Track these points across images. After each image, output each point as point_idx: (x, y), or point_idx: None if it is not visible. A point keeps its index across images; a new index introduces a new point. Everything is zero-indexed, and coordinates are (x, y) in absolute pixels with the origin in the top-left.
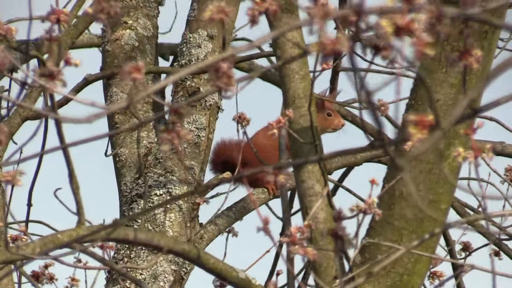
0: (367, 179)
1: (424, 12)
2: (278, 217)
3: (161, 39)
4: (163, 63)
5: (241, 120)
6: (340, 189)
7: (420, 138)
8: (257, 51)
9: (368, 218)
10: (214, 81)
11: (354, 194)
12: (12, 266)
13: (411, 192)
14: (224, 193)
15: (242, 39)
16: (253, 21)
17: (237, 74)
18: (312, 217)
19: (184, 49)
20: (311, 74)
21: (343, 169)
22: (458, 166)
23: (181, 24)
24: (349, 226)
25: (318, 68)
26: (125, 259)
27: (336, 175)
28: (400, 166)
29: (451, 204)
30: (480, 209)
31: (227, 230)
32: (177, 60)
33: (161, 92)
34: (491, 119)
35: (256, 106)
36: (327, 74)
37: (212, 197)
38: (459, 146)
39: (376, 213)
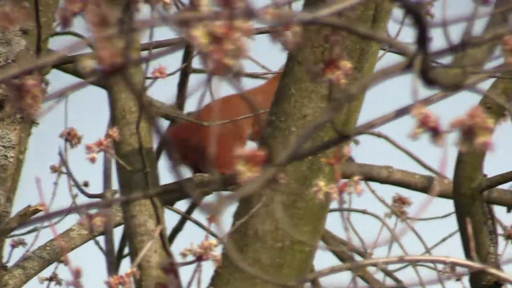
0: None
1: (258, 18)
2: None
3: None
4: None
5: (70, 138)
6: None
7: (251, 176)
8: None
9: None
10: (13, 101)
11: (206, 229)
12: None
13: (279, 218)
14: (35, 229)
15: (68, 33)
16: (65, 23)
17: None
18: (141, 261)
19: None
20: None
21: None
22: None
23: None
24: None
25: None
26: None
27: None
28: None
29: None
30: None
31: (48, 276)
32: None
33: None
34: (379, 135)
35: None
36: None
37: (28, 232)
38: (326, 175)
39: (215, 260)
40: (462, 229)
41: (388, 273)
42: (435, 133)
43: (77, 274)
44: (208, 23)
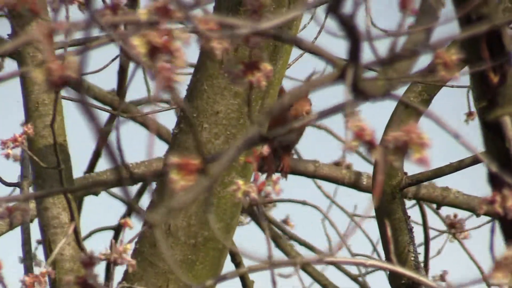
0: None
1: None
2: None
3: None
4: None
5: None
6: None
7: (185, 186)
8: None
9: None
10: None
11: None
12: None
13: (164, 252)
14: None
15: None
16: None
17: None
18: (56, 255)
19: None
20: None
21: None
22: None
23: None
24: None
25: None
26: None
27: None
28: (151, 222)
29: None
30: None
31: None
32: None
33: None
34: (319, 127)
35: None
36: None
37: None
38: (239, 173)
39: (130, 265)
40: (382, 228)
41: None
42: (371, 146)
43: None
44: (147, 33)
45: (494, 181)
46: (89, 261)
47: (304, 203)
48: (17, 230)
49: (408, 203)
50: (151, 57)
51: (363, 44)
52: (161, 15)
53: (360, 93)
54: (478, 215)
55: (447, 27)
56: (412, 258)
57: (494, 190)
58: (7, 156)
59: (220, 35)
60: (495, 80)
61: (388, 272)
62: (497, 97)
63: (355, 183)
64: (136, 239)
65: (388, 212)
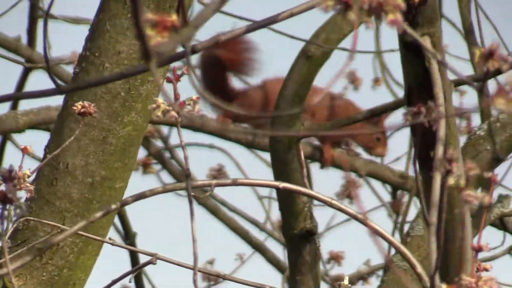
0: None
1: None
2: None
3: None
4: None
5: None
6: None
7: (160, 42)
8: None
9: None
10: None
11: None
12: None
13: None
14: None
15: None
16: None
17: None
18: None
19: None
20: None
21: None
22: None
23: None
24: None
25: None
26: None
27: None
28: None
29: None
30: None
31: None
32: None
33: None
34: None
35: None
36: None
37: None
38: (139, 112)
39: (28, 190)
40: (277, 176)
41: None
42: (347, 6)
43: None
44: None
45: (411, 101)
46: (9, 175)
47: (211, 146)
48: None
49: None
50: None
51: None
52: None
53: None
54: (361, 176)
55: None
56: (306, 209)
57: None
58: None
59: None
60: (416, 0)
61: (282, 224)
62: (417, 17)
63: (251, 144)
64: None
65: (284, 162)
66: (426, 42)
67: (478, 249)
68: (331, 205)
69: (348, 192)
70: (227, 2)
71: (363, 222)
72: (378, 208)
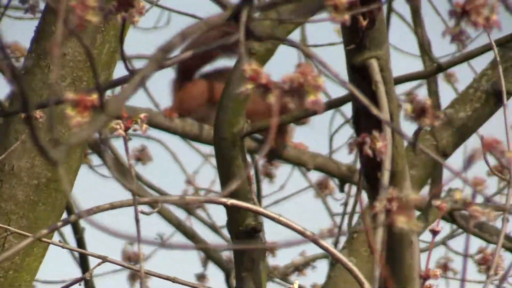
0: None
1: None
2: None
3: None
4: None
5: None
6: None
7: (80, 122)
8: None
9: None
10: None
11: None
12: None
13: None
14: None
15: None
16: None
17: None
18: None
19: None
20: None
21: None
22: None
23: None
24: None
25: None
26: None
27: None
28: (53, 160)
29: None
30: None
31: None
32: None
33: None
34: None
35: None
36: None
37: None
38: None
39: None
40: (222, 172)
41: None
42: (266, 89)
43: None
44: None
45: (359, 123)
46: None
47: (148, 137)
48: None
49: None
50: None
51: None
52: None
53: (250, 33)
54: (308, 170)
55: None
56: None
57: (359, 132)
58: None
59: None
60: (364, 24)
61: (227, 220)
62: (365, 40)
63: (198, 137)
64: None
65: (228, 159)
66: (373, 65)
67: (426, 277)
68: (279, 222)
69: None
70: (147, 80)
71: (311, 239)
72: (307, 189)
